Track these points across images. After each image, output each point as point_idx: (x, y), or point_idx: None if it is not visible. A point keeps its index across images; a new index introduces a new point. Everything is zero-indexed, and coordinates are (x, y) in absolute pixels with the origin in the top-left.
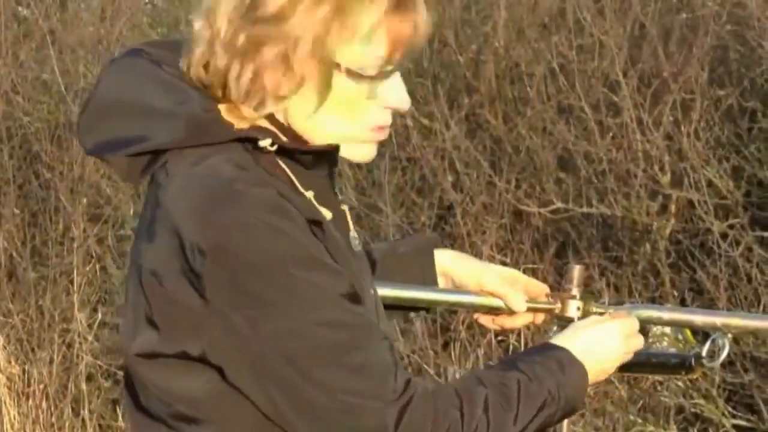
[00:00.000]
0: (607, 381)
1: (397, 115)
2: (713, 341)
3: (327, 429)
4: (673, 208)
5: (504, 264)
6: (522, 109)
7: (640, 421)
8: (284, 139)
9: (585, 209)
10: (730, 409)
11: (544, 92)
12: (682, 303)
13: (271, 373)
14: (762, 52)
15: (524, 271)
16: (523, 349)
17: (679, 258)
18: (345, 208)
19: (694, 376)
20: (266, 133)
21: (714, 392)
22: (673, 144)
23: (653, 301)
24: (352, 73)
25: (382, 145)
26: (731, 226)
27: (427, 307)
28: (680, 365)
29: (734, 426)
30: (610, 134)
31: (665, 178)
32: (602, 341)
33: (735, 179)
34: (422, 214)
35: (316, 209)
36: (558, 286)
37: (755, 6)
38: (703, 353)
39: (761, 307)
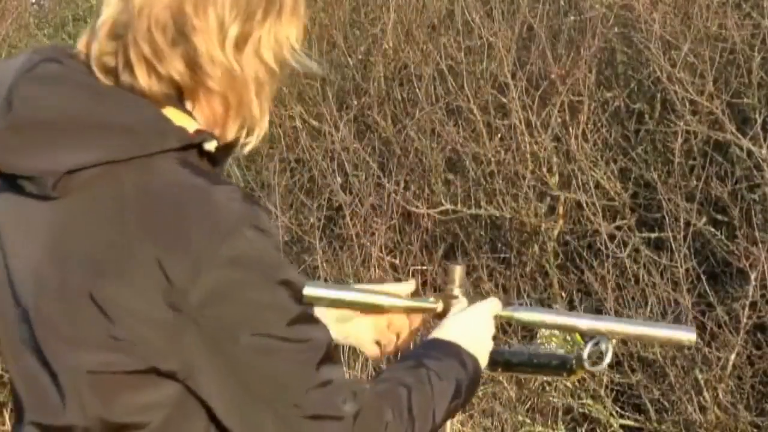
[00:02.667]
0: (496, 382)
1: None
2: (596, 344)
3: None
4: (561, 209)
5: (393, 265)
6: (411, 111)
7: (528, 421)
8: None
9: (473, 210)
10: (617, 409)
11: (432, 94)
12: (570, 304)
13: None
14: (649, 54)
15: (413, 273)
16: (418, 346)
17: (567, 259)
18: None
19: (575, 379)
20: (209, 135)
21: (602, 392)
22: (561, 146)
23: (542, 302)
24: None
25: (270, 147)
26: (619, 228)
27: None
28: (561, 367)
29: (622, 426)
30: (499, 136)
31: (553, 180)
32: (481, 330)
33: (622, 181)
34: (311, 215)
35: None
36: (444, 287)
37: (642, 8)
38: (585, 356)
39: (648, 308)
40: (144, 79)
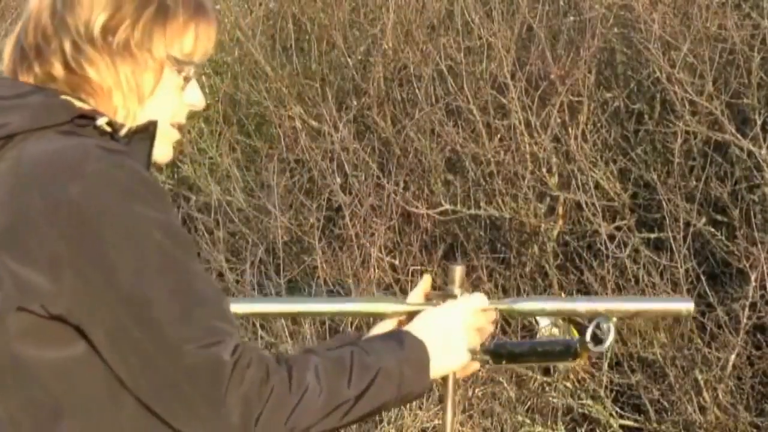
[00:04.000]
0: (496, 382)
1: (189, 114)
2: (597, 325)
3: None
4: (560, 209)
5: (392, 266)
6: (410, 111)
7: (528, 421)
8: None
9: (473, 211)
10: (617, 409)
11: (432, 94)
12: None
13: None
14: (648, 55)
15: (413, 273)
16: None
17: (567, 259)
18: None
19: (581, 362)
20: (99, 113)
21: (602, 393)
22: (561, 146)
23: None
24: (174, 62)
25: (270, 147)
26: (618, 228)
27: None
28: (566, 351)
29: (621, 426)
30: (498, 136)
31: (553, 180)
32: (444, 319)
33: (622, 181)
34: (311, 216)
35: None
36: (444, 288)
37: (641, 9)
38: (587, 338)
39: None
40: (39, 76)
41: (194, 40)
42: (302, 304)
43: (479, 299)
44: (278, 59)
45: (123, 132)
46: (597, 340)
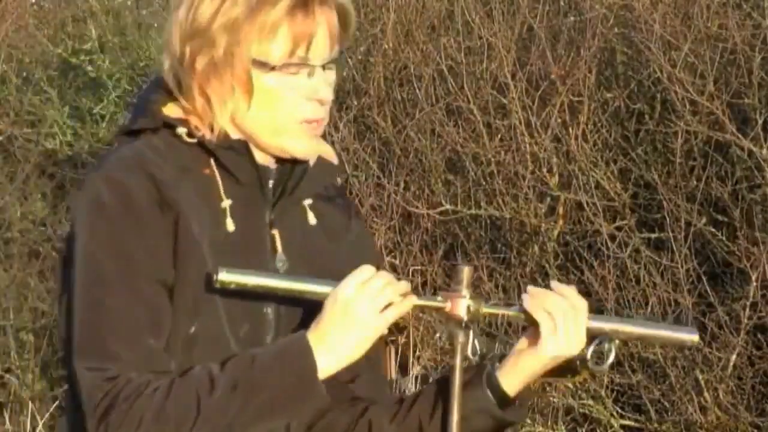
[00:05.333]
0: None
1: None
2: (599, 344)
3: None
4: (561, 209)
5: (393, 266)
6: (411, 111)
7: (528, 421)
8: (208, 137)
9: (473, 211)
10: (618, 409)
11: (432, 94)
12: None
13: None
14: (649, 55)
15: (413, 273)
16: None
17: (568, 259)
18: (275, 232)
19: (579, 380)
20: (188, 124)
21: (602, 393)
22: (561, 146)
23: None
24: (262, 65)
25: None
26: (619, 228)
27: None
28: (566, 369)
29: (622, 426)
30: (499, 136)
31: (553, 180)
32: (334, 299)
33: (622, 181)
34: None
35: (175, 199)
36: (447, 288)
37: (642, 9)
38: (588, 356)
39: (649, 308)
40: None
41: (289, 40)
42: (258, 278)
43: (363, 271)
44: None
45: (212, 142)
46: (597, 358)
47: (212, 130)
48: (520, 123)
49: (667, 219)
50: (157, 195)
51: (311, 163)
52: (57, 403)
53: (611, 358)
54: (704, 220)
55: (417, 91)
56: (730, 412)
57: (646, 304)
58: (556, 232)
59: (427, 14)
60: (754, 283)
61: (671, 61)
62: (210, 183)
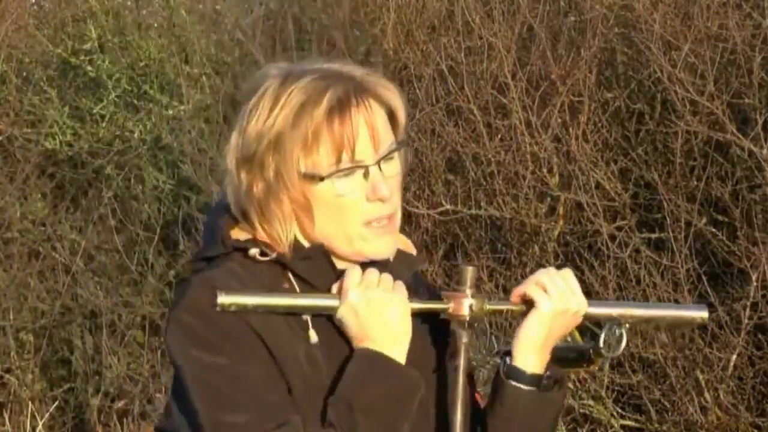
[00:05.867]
0: None
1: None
2: (610, 329)
3: None
4: (561, 209)
5: None
6: (411, 111)
7: None
8: (279, 252)
9: (474, 211)
10: (618, 409)
11: (432, 94)
12: None
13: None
14: (649, 55)
15: None
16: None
17: (568, 259)
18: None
19: (595, 368)
20: (259, 244)
21: (603, 393)
22: (562, 146)
23: None
24: (312, 178)
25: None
26: (619, 228)
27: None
28: (580, 358)
29: (623, 426)
30: (499, 136)
31: (554, 180)
32: (349, 306)
33: (623, 181)
34: None
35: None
36: (447, 287)
37: (642, 9)
38: (600, 344)
39: None
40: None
41: (331, 146)
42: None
43: (352, 275)
44: (278, 59)
45: (285, 257)
46: (607, 345)
47: (284, 245)
48: (521, 123)
49: (668, 219)
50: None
51: (391, 259)
52: (56, 403)
53: (623, 343)
54: (704, 220)
55: (417, 91)
56: (731, 412)
57: None
58: (556, 232)
59: (427, 14)
60: (755, 283)
61: (671, 61)
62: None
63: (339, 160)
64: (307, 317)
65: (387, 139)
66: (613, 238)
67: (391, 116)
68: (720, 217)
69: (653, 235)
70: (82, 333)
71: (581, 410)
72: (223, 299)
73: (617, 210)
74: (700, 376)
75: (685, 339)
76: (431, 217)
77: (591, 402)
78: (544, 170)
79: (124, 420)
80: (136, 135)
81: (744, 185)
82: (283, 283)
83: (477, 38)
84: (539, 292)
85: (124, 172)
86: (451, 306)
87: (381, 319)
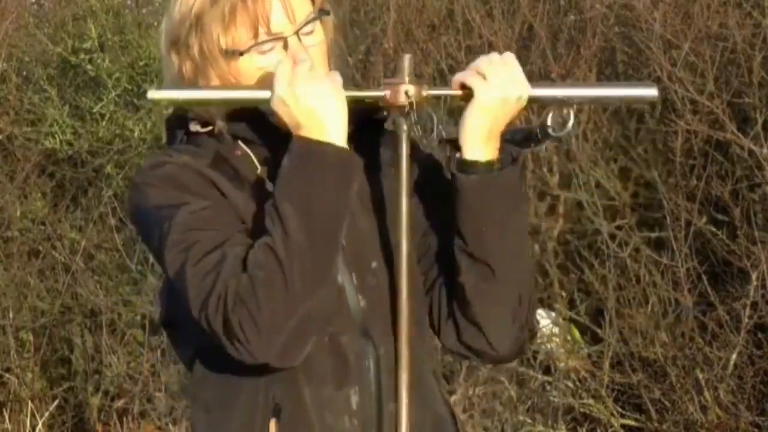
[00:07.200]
0: (496, 381)
1: None
2: (559, 110)
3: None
4: (561, 209)
5: None
6: None
7: (529, 421)
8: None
9: None
10: (618, 409)
11: None
12: (571, 303)
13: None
14: (649, 54)
15: None
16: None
17: (568, 259)
18: None
19: (541, 148)
20: (197, 120)
21: (603, 392)
22: (561, 145)
23: (541, 301)
24: (232, 54)
25: None
26: (619, 227)
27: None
28: (528, 138)
29: (622, 426)
30: None
31: (554, 179)
32: (278, 89)
33: (623, 180)
34: None
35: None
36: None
37: (642, 8)
38: (548, 122)
39: (649, 307)
40: None
41: (248, 22)
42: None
43: (282, 65)
44: None
45: (224, 126)
46: (555, 125)
47: (218, 118)
48: (520, 122)
49: (668, 218)
50: (199, 175)
51: None
52: (56, 402)
53: (571, 121)
54: (704, 219)
55: None
56: (731, 411)
57: (647, 303)
58: (556, 231)
59: (427, 13)
60: (755, 283)
61: (671, 60)
62: (244, 160)
63: (256, 35)
64: (263, 173)
65: (303, 9)
66: (613, 237)
67: None
68: (720, 217)
69: (653, 234)
70: (82, 332)
71: (581, 409)
72: (154, 94)
73: (617, 209)
74: (700, 375)
75: (685, 338)
76: None
77: (591, 401)
78: (544, 169)
79: (124, 419)
80: (136, 134)
81: (744, 184)
82: (235, 150)
83: (477, 37)
84: (479, 81)
85: (125, 171)
86: (387, 93)
87: (312, 106)
